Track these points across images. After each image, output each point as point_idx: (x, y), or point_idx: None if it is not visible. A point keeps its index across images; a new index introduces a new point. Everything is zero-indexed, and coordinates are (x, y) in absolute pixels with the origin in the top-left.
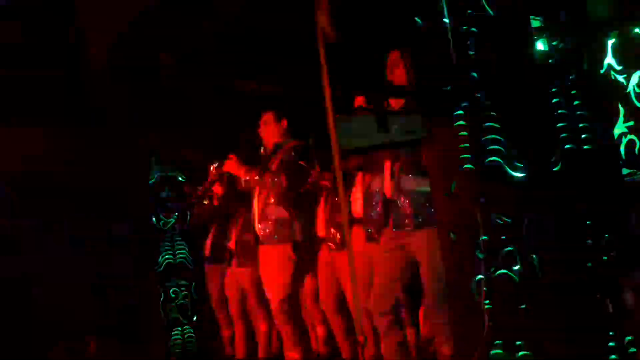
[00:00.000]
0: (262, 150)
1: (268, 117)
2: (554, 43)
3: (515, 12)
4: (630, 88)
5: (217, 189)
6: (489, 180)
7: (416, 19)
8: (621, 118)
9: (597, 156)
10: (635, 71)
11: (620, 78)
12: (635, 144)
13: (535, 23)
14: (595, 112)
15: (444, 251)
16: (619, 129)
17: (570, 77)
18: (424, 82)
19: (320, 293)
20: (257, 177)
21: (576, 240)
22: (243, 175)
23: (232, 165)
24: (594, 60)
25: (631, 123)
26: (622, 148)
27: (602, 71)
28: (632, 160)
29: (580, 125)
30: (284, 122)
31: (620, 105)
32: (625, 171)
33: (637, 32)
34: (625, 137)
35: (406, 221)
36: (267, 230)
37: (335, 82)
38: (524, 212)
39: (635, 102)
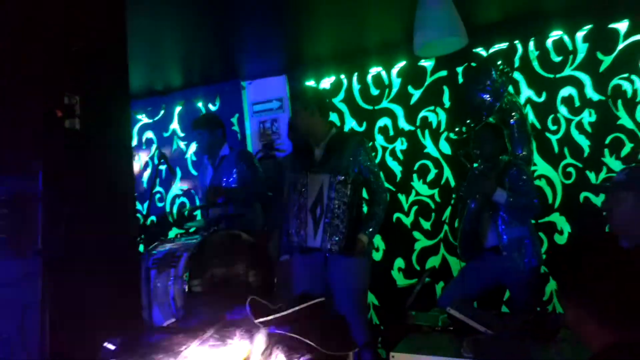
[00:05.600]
0: None
1: None
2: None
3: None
4: (188, 155)
5: None
6: None
7: None
8: (177, 180)
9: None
10: (193, 140)
11: (182, 144)
12: (185, 204)
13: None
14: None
15: None
16: (173, 191)
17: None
18: None
19: None
20: None
21: None
22: None
23: None
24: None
25: (185, 187)
26: (174, 209)
27: (166, 135)
28: (183, 220)
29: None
30: None
31: (178, 169)
32: (175, 231)
33: (200, 106)
34: (178, 198)
35: None
36: None
37: None
38: None
39: (190, 167)
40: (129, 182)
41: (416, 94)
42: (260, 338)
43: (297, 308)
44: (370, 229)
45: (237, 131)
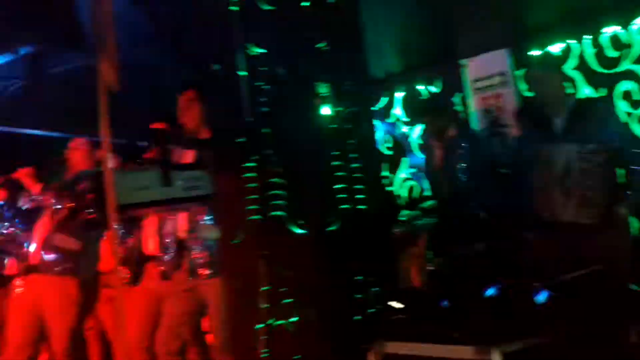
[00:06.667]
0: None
1: None
2: (339, 109)
3: (304, 76)
4: (413, 138)
5: None
6: (273, 233)
7: (214, 65)
8: (405, 165)
9: (370, 215)
10: (418, 124)
11: (406, 129)
12: (415, 189)
13: (322, 89)
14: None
15: (229, 299)
16: (403, 174)
17: (350, 142)
18: (215, 131)
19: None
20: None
21: (347, 295)
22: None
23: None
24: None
25: (414, 170)
26: (405, 192)
27: (389, 121)
28: (413, 204)
29: (357, 187)
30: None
31: (405, 153)
32: (405, 213)
33: (421, 89)
34: (407, 182)
35: (200, 270)
36: (50, 260)
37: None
38: (305, 266)
39: (417, 151)
40: (376, 164)
41: None
42: None
43: (575, 274)
44: (628, 201)
45: (460, 110)
